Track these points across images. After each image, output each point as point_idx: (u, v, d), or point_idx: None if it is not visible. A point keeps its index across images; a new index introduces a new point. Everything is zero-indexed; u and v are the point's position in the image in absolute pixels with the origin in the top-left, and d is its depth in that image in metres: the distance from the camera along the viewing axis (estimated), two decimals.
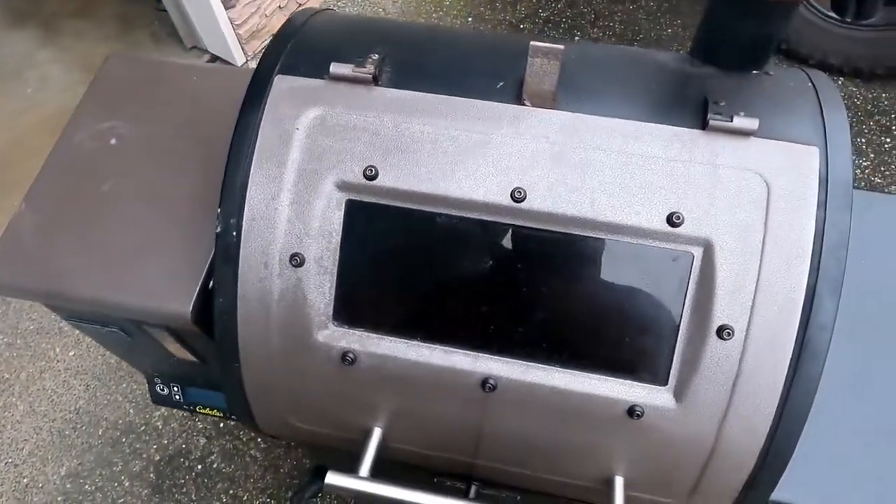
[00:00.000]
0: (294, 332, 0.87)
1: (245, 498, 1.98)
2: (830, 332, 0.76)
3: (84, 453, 2.06)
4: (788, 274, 0.76)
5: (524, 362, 0.84)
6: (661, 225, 0.78)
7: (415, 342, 0.85)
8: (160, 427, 2.10)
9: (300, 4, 2.93)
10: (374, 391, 0.89)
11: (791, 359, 0.77)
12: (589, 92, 0.85)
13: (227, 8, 2.57)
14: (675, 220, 0.77)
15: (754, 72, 0.88)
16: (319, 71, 0.87)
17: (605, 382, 0.82)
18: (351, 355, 0.86)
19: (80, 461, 2.05)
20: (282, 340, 0.87)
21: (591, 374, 0.83)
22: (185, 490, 2.00)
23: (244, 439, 2.07)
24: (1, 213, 2.42)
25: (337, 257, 0.84)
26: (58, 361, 2.22)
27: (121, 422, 2.11)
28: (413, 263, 0.85)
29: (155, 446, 2.07)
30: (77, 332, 2.22)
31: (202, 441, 2.08)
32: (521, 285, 0.82)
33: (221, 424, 2.10)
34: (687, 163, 0.79)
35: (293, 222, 0.84)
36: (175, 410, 2.12)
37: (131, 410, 2.13)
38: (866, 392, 1.06)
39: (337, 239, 0.84)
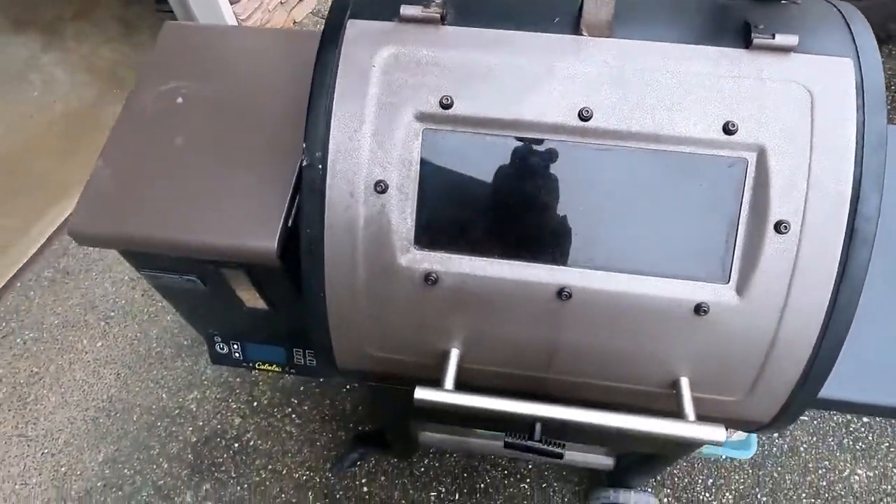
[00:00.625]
0: (379, 257, 0.93)
1: (284, 472, 2.03)
2: (875, 223, 0.85)
3: (120, 439, 2.09)
4: (836, 171, 0.84)
5: (597, 271, 0.91)
6: (717, 134, 0.86)
7: (493, 259, 0.92)
8: (194, 409, 2.14)
9: (300, 0, 2.99)
10: (455, 309, 0.95)
11: (842, 248, 0.85)
12: (640, 21, 0.93)
13: (231, 3, 2.63)
14: (730, 128, 0.85)
15: (783, 1, 0.97)
16: (388, 14, 0.94)
17: (672, 283, 0.90)
18: (433, 276, 0.92)
19: (117, 447, 2.08)
20: (367, 266, 0.93)
21: (659, 277, 0.90)
22: (224, 468, 2.04)
23: (278, 416, 2.12)
24: (23, 215, 2.45)
25: (417, 184, 0.91)
26: (86, 353, 2.24)
27: (154, 407, 2.14)
28: (488, 185, 0.92)
29: (190, 428, 2.11)
30: (104, 323, 2.25)
31: (237, 420, 2.11)
32: (590, 198, 0.90)
33: (255, 403, 2.14)
34: (736, 78, 0.87)
35: (375, 152, 0.90)
36: (207, 392, 2.16)
37: (164, 395, 2.16)
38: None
39: (416, 167, 0.91)
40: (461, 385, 0.98)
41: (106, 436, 2.10)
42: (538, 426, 1.05)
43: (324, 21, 0.95)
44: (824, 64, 0.87)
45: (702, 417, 0.99)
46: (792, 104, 0.86)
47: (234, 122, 1.08)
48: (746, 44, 0.89)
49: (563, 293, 0.91)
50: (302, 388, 2.15)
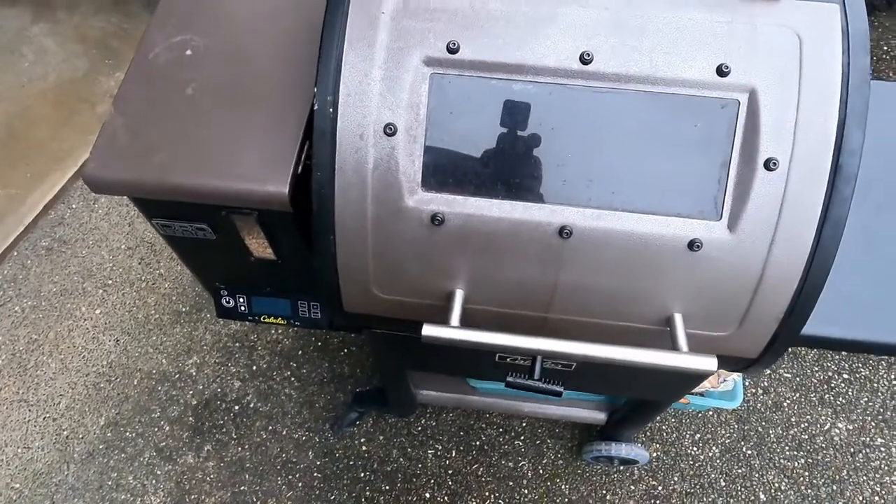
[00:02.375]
0: (387, 198, 0.96)
1: (284, 433, 2.07)
2: (859, 157, 0.90)
3: (121, 403, 2.12)
4: (822, 110, 0.89)
5: (596, 210, 0.95)
6: (711, 76, 0.90)
7: (497, 200, 0.96)
8: (194, 374, 2.17)
9: None
10: (461, 249, 0.99)
11: (828, 182, 0.90)
12: None
13: None
14: (723, 69, 0.90)
15: None
16: None
17: (668, 221, 0.94)
18: (440, 216, 0.96)
19: (118, 411, 2.11)
20: (375, 208, 0.97)
21: (655, 215, 0.94)
22: (224, 430, 2.08)
23: (278, 379, 2.16)
24: (18, 184, 2.45)
25: (424, 127, 0.95)
26: (85, 320, 2.26)
27: (154, 372, 2.17)
28: (493, 128, 0.95)
29: (191, 392, 2.14)
30: (102, 291, 2.27)
31: (237, 384, 2.15)
32: (590, 140, 0.94)
33: (254, 367, 2.18)
34: (730, 23, 0.92)
35: (385, 96, 0.93)
36: (207, 357, 2.19)
37: (164, 360, 2.19)
38: (877, 247, 1.21)
39: (424, 110, 0.94)
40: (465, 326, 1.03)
41: (107, 400, 2.13)
42: (538, 365, 1.10)
43: None
44: (813, 10, 0.92)
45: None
46: (782, 48, 0.91)
47: (243, 71, 1.11)
48: None
49: (564, 231, 0.95)
50: (300, 352, 2.20)
